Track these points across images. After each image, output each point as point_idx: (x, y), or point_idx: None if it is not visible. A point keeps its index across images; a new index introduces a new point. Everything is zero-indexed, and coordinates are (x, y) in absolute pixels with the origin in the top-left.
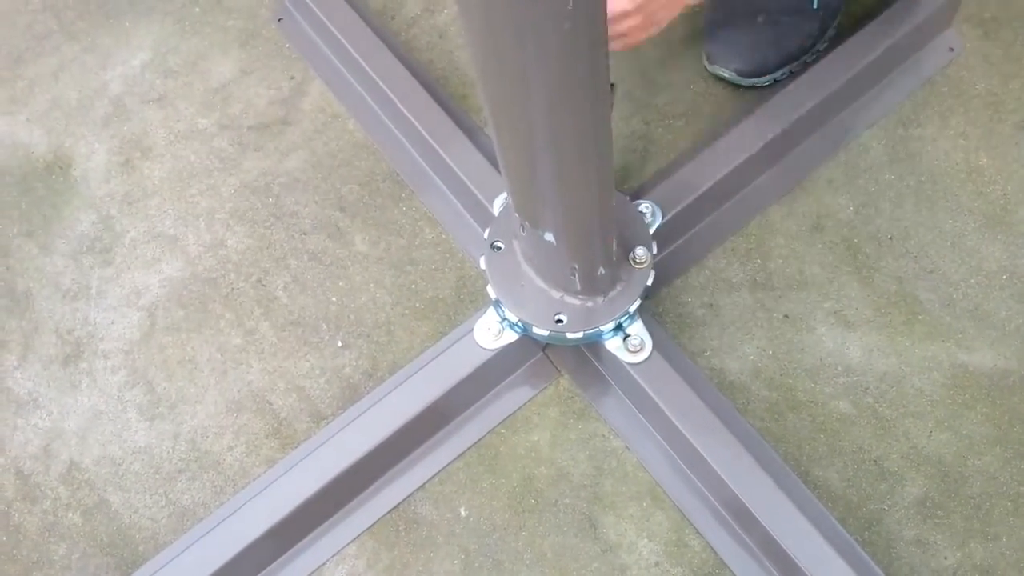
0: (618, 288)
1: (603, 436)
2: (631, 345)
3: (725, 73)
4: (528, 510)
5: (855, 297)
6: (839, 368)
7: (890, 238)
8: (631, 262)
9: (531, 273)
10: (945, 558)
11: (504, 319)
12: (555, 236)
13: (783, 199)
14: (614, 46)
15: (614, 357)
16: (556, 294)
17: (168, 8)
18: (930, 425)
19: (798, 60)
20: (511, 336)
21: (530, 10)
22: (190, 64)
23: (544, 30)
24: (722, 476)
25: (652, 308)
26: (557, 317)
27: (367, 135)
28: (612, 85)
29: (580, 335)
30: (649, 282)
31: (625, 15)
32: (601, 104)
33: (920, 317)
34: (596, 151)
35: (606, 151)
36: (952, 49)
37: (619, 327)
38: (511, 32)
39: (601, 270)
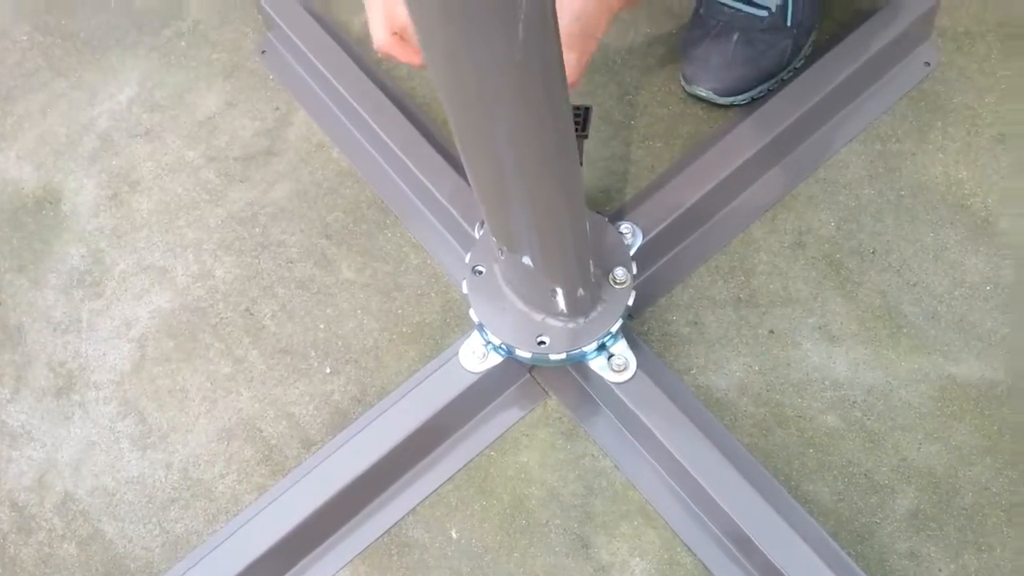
0: (599, 309)
1: (592, 456)
2: (615, 365)
3: (703, 92)
4: (519, 531)
5: (839, 312)
6: (826, 383)
7: (872, 252)
8: (611, 283)
9: (512, 296)
10: (939, 570)
11: (488, 342)
12: (532, 260)
13: (764, 216)
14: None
15: (599, 377)
16: (538, 316)
17: (154, 43)
18: (919, 437)
19: (775, 78)
20: (496, 359)
21: (483, 44)
22: (176, 97)
23: (498, 62)
24: (711, 493)
25: (637, 328)
26: (539, 339)
27: (351, 163)
28: (588, 108)
29: (563, 356)
30: (630, 302)
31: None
32: (564, 130)
33: (905, 330)
34: (564, 175)
35: (574, 174)
36: (928, 63)
37: (602, 347)
38: (467, 64)
39: (581, 291)
